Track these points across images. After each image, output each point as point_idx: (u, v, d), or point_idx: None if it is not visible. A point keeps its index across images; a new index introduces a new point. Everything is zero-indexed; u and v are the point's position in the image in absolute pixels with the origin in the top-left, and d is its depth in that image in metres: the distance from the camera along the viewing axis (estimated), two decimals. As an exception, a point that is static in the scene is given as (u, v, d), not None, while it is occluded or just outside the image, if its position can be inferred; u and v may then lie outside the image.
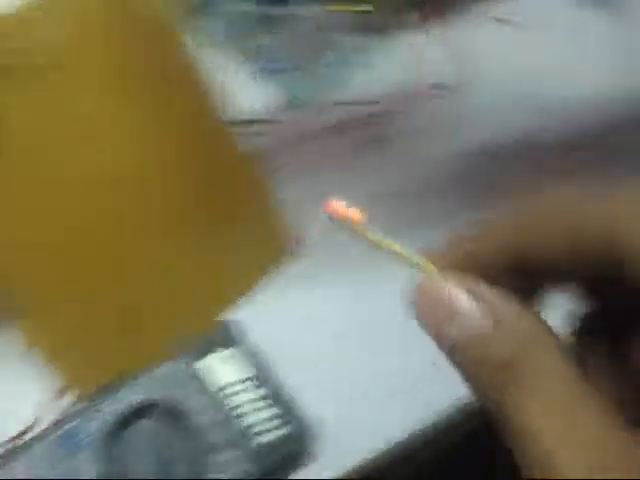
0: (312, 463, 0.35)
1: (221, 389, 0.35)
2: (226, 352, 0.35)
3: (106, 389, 0.35)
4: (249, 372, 0.35)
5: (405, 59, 0.50)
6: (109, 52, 0.34)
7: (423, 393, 0.37)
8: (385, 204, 0.41)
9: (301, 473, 0.35)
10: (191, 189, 0.38)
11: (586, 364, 0.19)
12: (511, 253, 0.19)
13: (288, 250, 0.41)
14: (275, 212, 0.41)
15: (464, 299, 0.18)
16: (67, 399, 0.36)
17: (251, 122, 0.44)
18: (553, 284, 0.20)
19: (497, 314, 0.18)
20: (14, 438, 0.35)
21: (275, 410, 0.34)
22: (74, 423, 0.33)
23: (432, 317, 0.18)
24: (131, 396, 0.34)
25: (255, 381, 0.35)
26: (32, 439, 0.34)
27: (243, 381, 0.35)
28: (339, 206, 0.20)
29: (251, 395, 0.35)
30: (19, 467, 0.32)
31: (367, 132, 0.47)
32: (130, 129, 0.36)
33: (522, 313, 0.18)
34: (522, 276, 0.19)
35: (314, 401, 0.36)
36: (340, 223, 0.20)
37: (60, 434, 0.33)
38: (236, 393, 0.35)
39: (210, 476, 0.33)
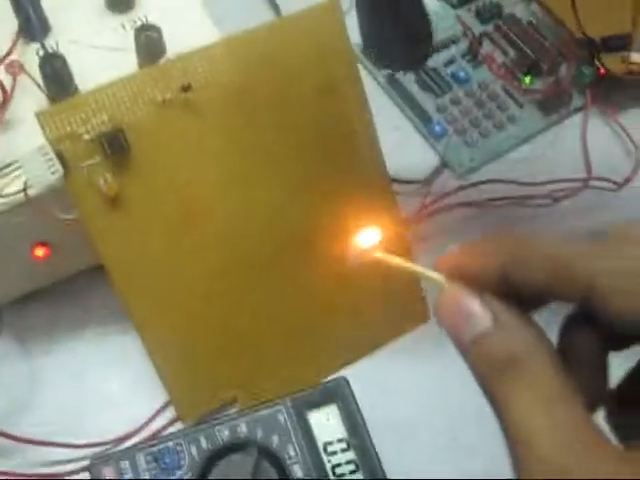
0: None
1: (322, 445, 0.35)
2: (333, 408, 0.36)
3: (212, 417, 0.37)
4: (348, 432, 0.36)
5: (570, 143, 0.49)
6: (274, 103, 0.36)
7: None
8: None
9: None
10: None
11: (570, 366, 0.22)
12: (499, 276, 0.22)
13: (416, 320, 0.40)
14: (414, 282, 0.40)
15: (477, 304, 0.22)
16: (173, 413, 0.38)
17: (408, 182, 0.45)
18: (538, 305, 0.23)
19: (501, 317, 0.21)
20: (117, 440, 0.37)
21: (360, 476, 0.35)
22: (175, 442, 0.35)
23: (451, 320, 0.22)
24: (234, 430, 0.35)
25: (351, 443, 0.35)
26: (132, 447, 0.36)
27: (342, 440, 0.36)
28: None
29: (347, 457, 0.35)
30: (110, 471, 0.34)
31: (519, 213, 0.46)
32: (284, 180, 0.37)
33: (521, 318, 0.21)
34: (512, 294, 0.22)
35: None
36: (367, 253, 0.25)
37: (160, 449, 0.34)
38: (335, 452, 0.35)
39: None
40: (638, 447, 0.20)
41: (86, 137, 0.33)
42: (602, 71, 0.50)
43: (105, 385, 0.40)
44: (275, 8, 0.50)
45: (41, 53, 0.35)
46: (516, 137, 0.49)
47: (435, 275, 0.24)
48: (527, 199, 0.47)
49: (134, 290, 0.36)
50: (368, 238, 0.26)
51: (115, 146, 0.34)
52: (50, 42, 0.38)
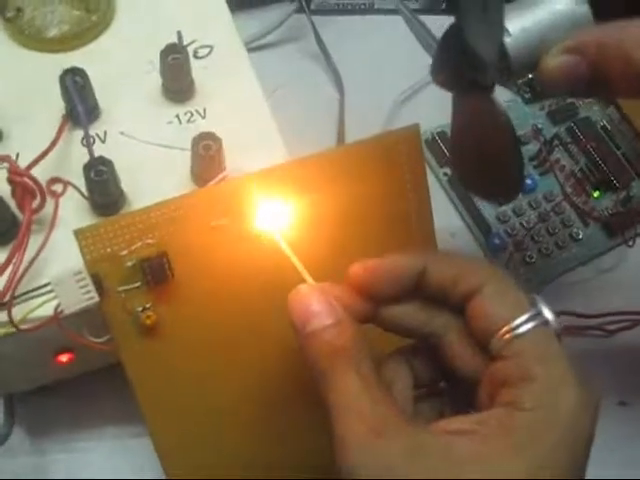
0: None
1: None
2: None
3: None
4: None
5: (632, 267, 0.47)
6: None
7: None
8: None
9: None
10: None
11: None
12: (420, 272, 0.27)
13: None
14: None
15: (322, 304, 0.27)
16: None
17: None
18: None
19: (341, 318, 0.26)
20: None
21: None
22: None
23: (301, 312, 0.27)
24: None
25: None
26: None
27: None
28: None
29: None
30: None
31: (574, 343, 0.41)
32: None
33: (354, 322, 0.27)
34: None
35: None
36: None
37: None
38: None
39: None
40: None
41: (128, 262, 0.30)
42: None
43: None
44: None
45: (85, 160, 0.32)
46: (577, 259, 0.46)
47: (309, 278, 0.28)
48: (582, 329, 0.44)
49: (160, 415, 0.33)
50: (277, 218, 0.30)
51: (158, 274, 0.31)
52: (98, 131, 0.35)
